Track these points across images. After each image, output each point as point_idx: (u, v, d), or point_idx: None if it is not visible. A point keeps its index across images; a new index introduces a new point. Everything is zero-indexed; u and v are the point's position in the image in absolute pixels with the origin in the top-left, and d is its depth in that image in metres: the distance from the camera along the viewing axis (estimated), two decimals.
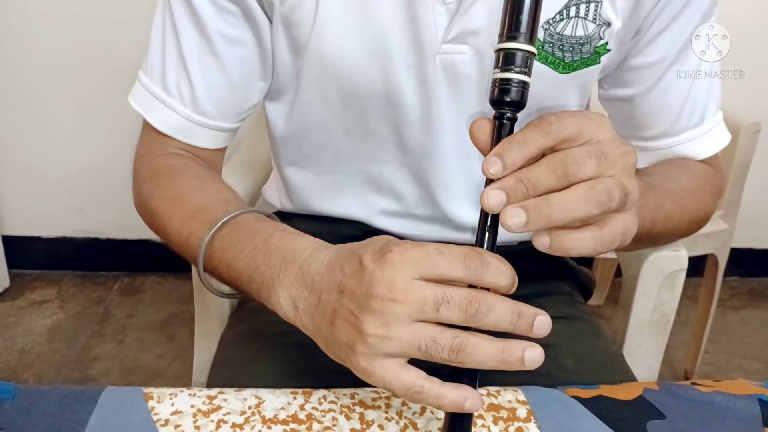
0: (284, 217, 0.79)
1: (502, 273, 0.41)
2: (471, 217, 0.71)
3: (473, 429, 0.48)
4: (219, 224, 0.56)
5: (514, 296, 0.42)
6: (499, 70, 0.43)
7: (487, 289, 0.42)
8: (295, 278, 0.48)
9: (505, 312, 0.40)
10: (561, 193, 0.41)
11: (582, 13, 0.61)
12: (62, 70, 1.84)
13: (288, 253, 0.49)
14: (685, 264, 0.80)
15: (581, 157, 0.41)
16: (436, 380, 0.42)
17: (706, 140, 0.71)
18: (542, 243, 0.42)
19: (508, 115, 0.44)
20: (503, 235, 0.44)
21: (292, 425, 0.48)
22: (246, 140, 1.06)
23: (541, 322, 0.41)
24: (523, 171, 0.41)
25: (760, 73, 1.90)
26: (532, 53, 0.43)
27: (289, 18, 0.62)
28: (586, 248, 0.42)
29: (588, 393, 0.53)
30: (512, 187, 0.41)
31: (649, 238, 0.65)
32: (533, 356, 0.40)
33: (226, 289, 0.59)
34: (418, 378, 0.42)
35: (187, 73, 0.65)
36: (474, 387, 0.42)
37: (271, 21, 0.64)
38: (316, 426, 0.48)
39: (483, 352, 0.40)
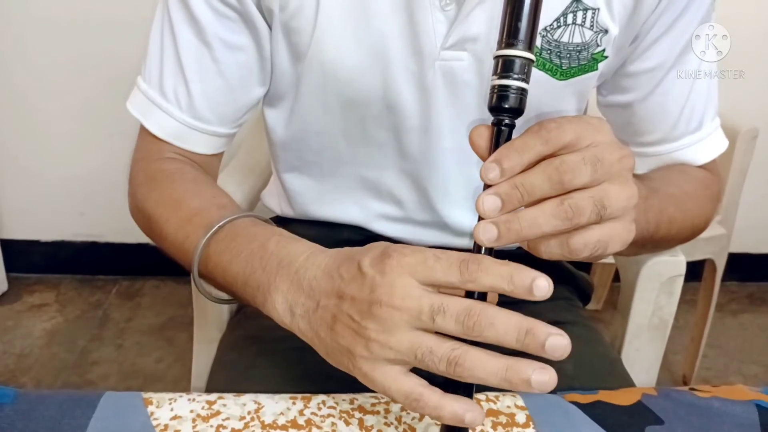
0: (284, 222, 0.79)
1: (500, 277, 0.40)
2: (470, 222, 0.71)
3: None
4: (215, 228, 0.56)
5: (512, 301, 0.42)
6: (497, 77, 0.44)
7: (491, 299, 0.41)
8: (291, 283, 0.48)
9: (509, 327, 0.39)
10: (530, 210, 0.42)
11: (579, 21, 0.61)
12: (62, 74, 1.85)
13: (284, 257, 0.49)
14: (683, 269, 0.80)
15: (576, 164, 0.41)
16: (437, 390, 0.41)
17: (704, 146, 0.71)
18: (523, 243, 0.44)
19: (507, 121, 0.44)
20: None
21: (292, 431, 0.48)
22: (245, 145, 1.06)
23: (556, 342, 0.38)
24: (519, 177, 0.42)
25: (758, 79, 1.90)
26: (531, 60, 0.44)
27: (288, 25, 0.62)
28: (553, 253, 0.44)
29: (587, 398, 0.53)
30: (507, 193, 0.42)
31: (652, 243, 0.66)
32: (542, 380, 0.38)
33: (222, 295, 0.59)
34: (417, 386, 0.41)
35: (185, 78, 0.65)
36: (470, 396, 0.42)
37: (270, 27, 0.64)
38: (315, 431, 0.49)
39: (483, 369, 0.39)
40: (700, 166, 0.72)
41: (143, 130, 0.68)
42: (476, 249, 0.43)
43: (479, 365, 0.39)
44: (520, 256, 0.53)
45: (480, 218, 0.43)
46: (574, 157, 0.42)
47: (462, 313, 0.39)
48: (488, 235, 0.42)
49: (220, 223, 0.56)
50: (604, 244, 0.43)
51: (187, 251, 0.58)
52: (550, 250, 0.44)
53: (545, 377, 0.38)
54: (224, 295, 0.58)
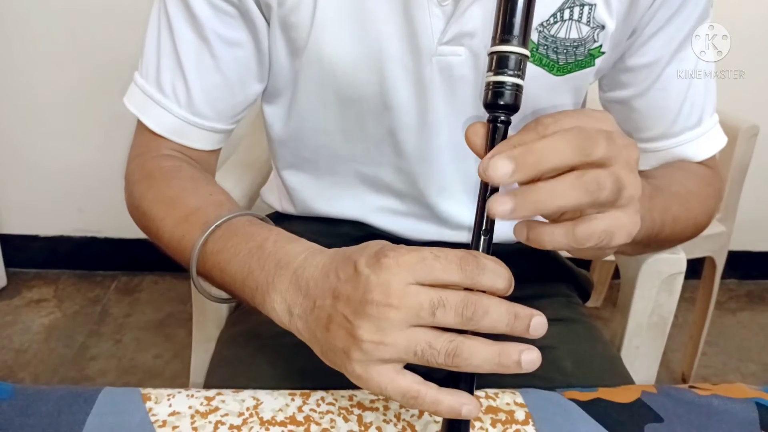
0: (284, 218, 0.79)
1: (498, 276, 0.41)
2: (466, 216, 0.72)
3: None
4: (212, 227, 0.55)
5: (512, 298, 0.42)
6: (492, 74, 0.43)
7: (484, 292, 0.42)
8: (289, 283, 0.47)
9: (501, 314, 0.40)
10: (549, 181, 0.40)
11: (576, 16, 0.61)
12: (61, 69, 1.84)
13: (282, 257, 0.49)
14: (683, 267, 0.80)
15: (594, 134, 0.40)
16: (433, 385, 0.42)
17: (704, 142, 0.71)
18: (521, 234, 0.42)
19: (502, 118, 0.44)
20: (501, 235, 0.44)
21: (290, 427, 0.48)
22: (244, 141, 1.05)
23: (537, 322, 0.40)
24: (536, 142, 0.40)
25: (759, 77, 1.90)
26: (526, 56, 0.43)
27: (286, 20, 0.62)
28: (558, 242, 0.41)
29: (586, 396, 0.53)
30: (521, 155, 0.39)
31: (657, 242, 0.65)
32: (530, 359, 0.40)
33: (221, 294, 0.58)
34: (414, 383, 0.42)
35: (183, 74, 0.64)
36: (471, 391, 0.42)
37: (268, 23, 0.64)
38: (314, 428, 0.48)
39: (479, 356, 0.40)
40: (701, 163, 0.72)
41: (141, 127, 0.68)
42: (474, 246, 0.43)
43: (475, 353, 0.40)
44: (518, 251, 0.53)
45: (477, 214, 0.43)
46: (590, 129, 0.40)
47: (460, 305, 0.40)
48: (503, 208, 0.39)
49: (217, 223, 0.55)
50: (609, 235, 0.42)
51: (184, 250, 0.58)
52: (554, 239, 0.41)
53: (533, 356, 0.40)
54: (223, 294, 0.58)
